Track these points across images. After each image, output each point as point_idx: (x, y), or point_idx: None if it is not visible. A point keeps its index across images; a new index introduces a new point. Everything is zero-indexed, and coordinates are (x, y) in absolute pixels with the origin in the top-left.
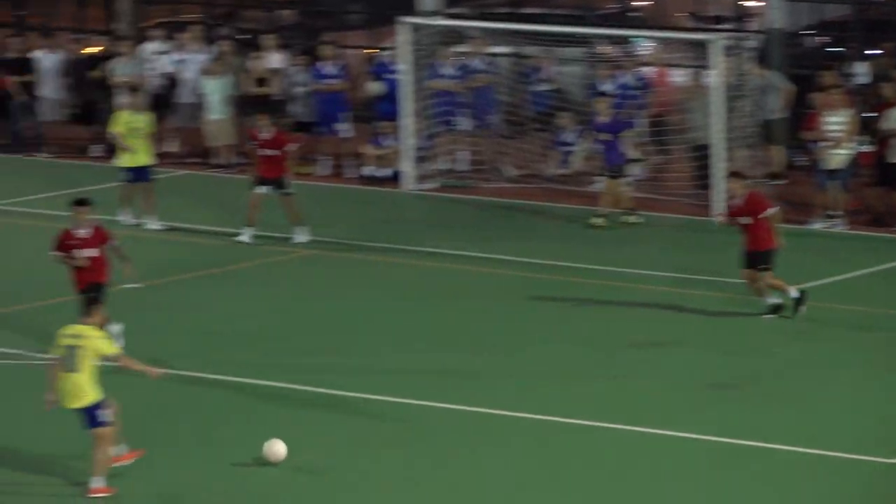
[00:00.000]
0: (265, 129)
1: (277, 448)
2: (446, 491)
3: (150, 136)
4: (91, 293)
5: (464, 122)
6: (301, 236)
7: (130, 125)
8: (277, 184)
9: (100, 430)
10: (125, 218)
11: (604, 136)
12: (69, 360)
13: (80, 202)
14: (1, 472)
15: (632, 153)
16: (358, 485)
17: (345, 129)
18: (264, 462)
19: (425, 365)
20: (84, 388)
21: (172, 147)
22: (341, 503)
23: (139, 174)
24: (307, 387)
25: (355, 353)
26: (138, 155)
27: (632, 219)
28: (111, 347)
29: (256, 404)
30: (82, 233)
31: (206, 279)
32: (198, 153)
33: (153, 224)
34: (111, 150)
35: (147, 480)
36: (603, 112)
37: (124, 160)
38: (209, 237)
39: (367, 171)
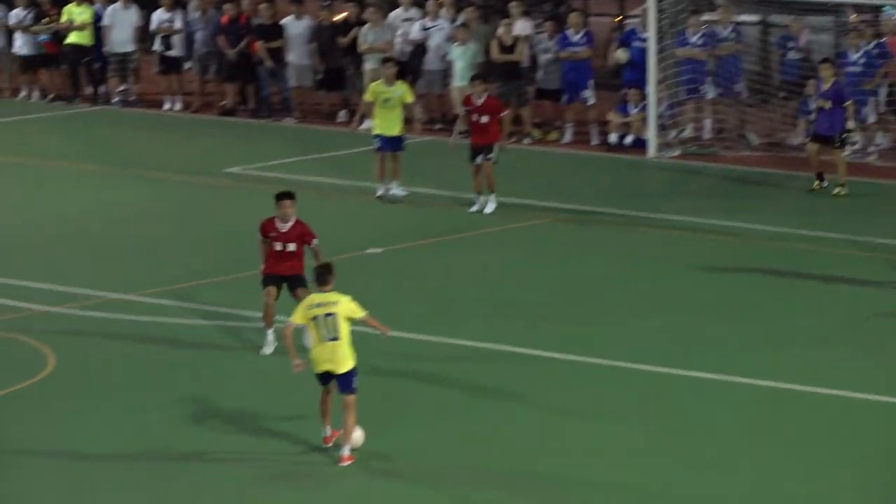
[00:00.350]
0: (479, 95)
1: (357, 436)
2: (686, 459)
3: (405, 106)
4: (319, 267)
5: (709, 90)
6: (491, 205)
7: (382, 96)
8: (487, 150)
9: (352, 396)
10: (379, 186)
11: (825, 104)
12: (327, 329)
13: (284, 195)
14: (238, 440)
15: (850, 123)
16: (596, 452)
17: (590, 96)
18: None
19: (662, 332)
20: (347, 354)
21: (417, 113)
22: (577, 471)
23: (389, 143)
24: (544, 352)
25: (592, 319)
26: (390, 124)
27: (815, 184)
28: (360, 310)
29: (493, 370)
30: (283, 226)
31: (447, 245)
32: (443, 119)
33: (397, 190)
34: (359, 116)
35: (393, 446)
36: (826, 79)
37: (377, 128)
38: (451, 203)
39: (612, 138)
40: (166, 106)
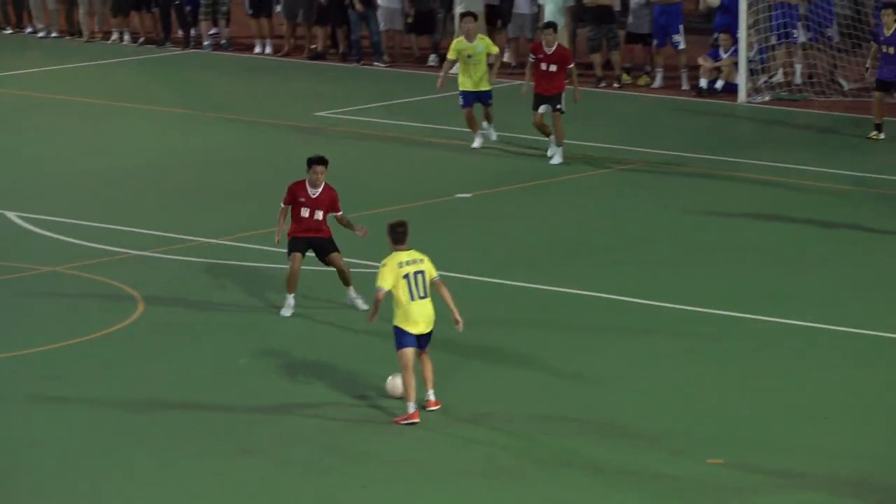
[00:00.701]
0: (549, 44)
1: (397, 384)
2: (768, 407)
3: (490, 61)
4: (399, 225)
5: (800, 35)
6: (558, 157)
7: (465, 52)
8: (553, 100)
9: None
10: (475, 137)
11: (888, 49)
12: (418, 288)
13: (317, 160)
14: (325, 386)
15: None
16: (676, 399)
17: (680, 41)
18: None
19: (747, 279)
20: (433, 313)
21: (506, 58)
22: (658, 420)
23: (479, 98)
24: (626, 297)
25: (676, 265)
26: (477, 81)
27: (873, 134)
28: (435, 270)
29: (574, 315)
30: (314, 191)
31: (535, 190)
32: None
33: (491, 132)
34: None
35: (475, 393)
36: (889, 25)
37: (462, 84)
38: (539, 149)
39: (702, 83)
40: (257, 49)
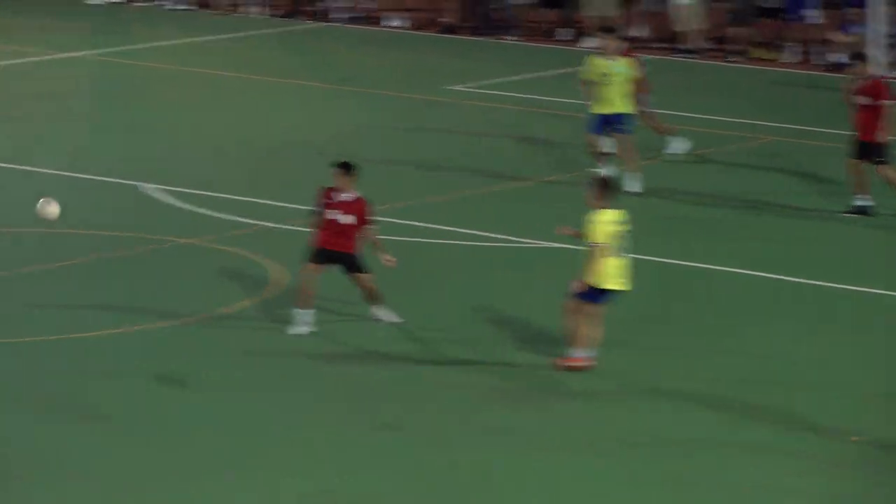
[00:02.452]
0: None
1: (49, 210)
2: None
3: (630, 83)
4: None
5: None
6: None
7: (600, 71)
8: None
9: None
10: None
11: None
12: (622, 244)
13: (345, 166)
14: (469, 354)
15: None
16: (823, 372)
17: (813, 15)
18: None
19: (878, 252)
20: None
21: (641, 32)
22: (817, 393)
23: (610, 122)
24: (760, 273)
25: (805, 238)
26: (608, 102)
27: None
28: None
29: (713, 290)
30: (344, 197)
31: (670, 165)
32: (665, 38)
33: (634, 186)
34: (579, 34)
35: (633, 366)
36: None
37: (595, 106)
38: (668, 123)
39: (835, 57)
40: (388, 22)
